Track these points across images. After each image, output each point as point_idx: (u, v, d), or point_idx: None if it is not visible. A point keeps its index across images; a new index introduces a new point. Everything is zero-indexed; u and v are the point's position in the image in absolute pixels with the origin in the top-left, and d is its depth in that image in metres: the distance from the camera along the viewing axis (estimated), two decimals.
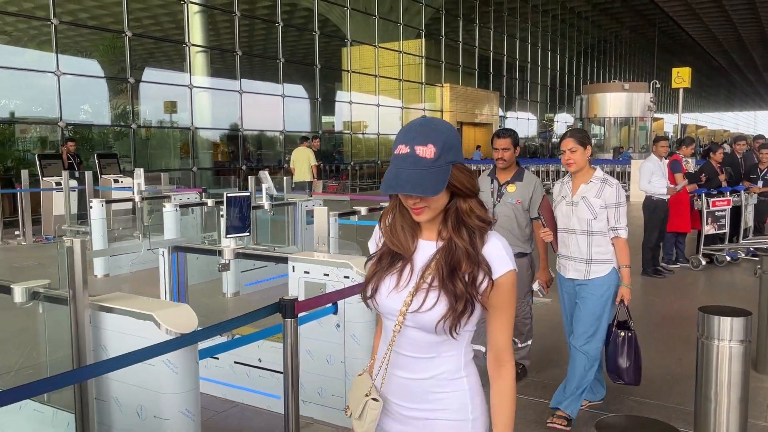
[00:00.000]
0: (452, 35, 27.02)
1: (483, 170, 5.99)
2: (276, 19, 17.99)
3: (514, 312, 1.55)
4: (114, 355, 2.21)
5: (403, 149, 1.42)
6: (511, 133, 4.12)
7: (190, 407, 2.33)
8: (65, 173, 10.05)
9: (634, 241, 9.75)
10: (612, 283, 3.48)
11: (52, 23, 12.52)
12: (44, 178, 11.03)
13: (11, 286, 2.80)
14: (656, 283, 7.44)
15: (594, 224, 3.44)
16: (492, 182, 4.17)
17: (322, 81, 19.97)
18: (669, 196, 7.67)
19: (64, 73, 12.77)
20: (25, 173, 10.38)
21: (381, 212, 1.62)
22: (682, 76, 15.30)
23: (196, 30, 15.93)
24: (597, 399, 3.85)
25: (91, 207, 7.57)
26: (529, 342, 4.41)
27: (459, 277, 1.46)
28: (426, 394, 1.52)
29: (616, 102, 26.39)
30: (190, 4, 15.52)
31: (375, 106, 22.28)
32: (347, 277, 3.30)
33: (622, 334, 3.45)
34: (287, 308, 2.44)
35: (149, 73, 15.25)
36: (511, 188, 4.07)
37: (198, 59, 16.03)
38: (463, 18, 27.46)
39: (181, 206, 7.15)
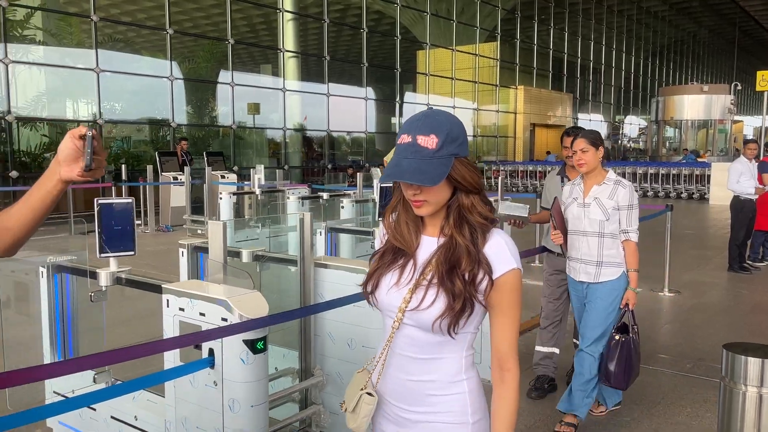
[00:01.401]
0: (527, 37, 27.33)
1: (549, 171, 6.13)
2: (361, 25, 18.90)
3: (519, 315, 1.49)
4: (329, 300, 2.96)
5: (405, 139, 1.40)
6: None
7: None
8: (187, 169, 11.18)
9: (720, 241, 10.04)
10: (622, 287, 3.41)
11: (167, 33, 13.78)
12: (163, 173, 12.23)
13: (241, 250, 3.64)
14: (743, 278, 7.80)
15: (606, 226, 3.36)
16: (562, 181, 4.08)
17: (400, 84, 20.76)
18: (757, 196, 8.02)
19: (177, 78, 14.02)
20: (149, 169, 11.59)
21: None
22: (767, 79, 15.24)
23: (288, 36, 17.01)
24: (612, 405, 3.78)
25: (221, 198, 8.55)
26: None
27: (458, 275, 1.42)
28: (425, 397, 1.49)
29: (695, 104, 26.08)
30: (284, 13, 16.61)
31: (451, 108, 22.91)
32: (225, 320, 2.47)
33: (617, 337, 3.38)
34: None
35: (247, 77, 16.38)
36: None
37: (290, 64, 17.11)
38: (538, 20, 27.72)
39: (303, 198, 8.02)
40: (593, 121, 33.82)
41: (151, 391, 3.04)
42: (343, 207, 7.24)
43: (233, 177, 13.12)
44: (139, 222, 11.96)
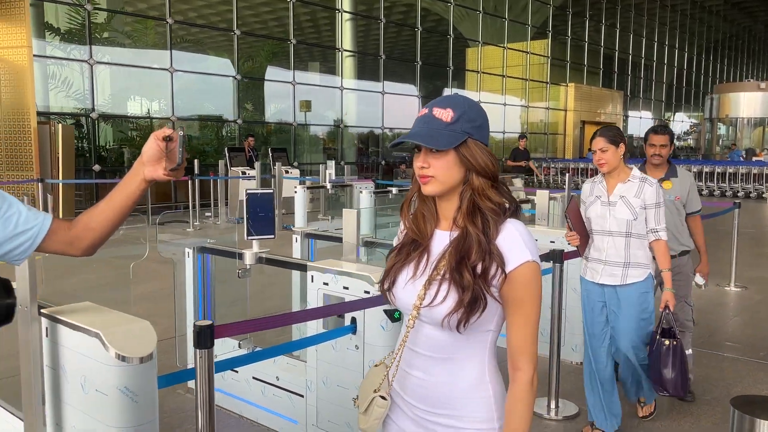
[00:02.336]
0: (577, 34, 27.23)
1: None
2: (416, 24, 19.26)
3: (536, 311, 1.40)
4: None
5: (422, 112, 1.41)
6: (668, 130, 3.98)
7: None
8: (258, 164, 11.76)
9: None
10: (649, 288, 3.28)
11: (234, 34, 14.41)
12: (232, 168, 12.85)
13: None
14: None
15: (633, 226, 3.22)
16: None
17: (451, 82, 21.06)
18: None
19: (243, 78, 14.65)
20: (221, 164, 12.21)
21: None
22: None
23: (346, 36, 17.50)
24: (609, 430, 3.43)
25: (296, 192, 9.05)
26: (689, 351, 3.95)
27: (466, 267, 1.36)
28: (448, 400, 1.43)
29: (751, 102, 25.65)
30: (343, 13, 17.10)
31: (501, 105, 23.08)
32: (367, 292, 2.89)
33: (667, 342, 3.22)
34: (201, 336, 2.02)
35: (306, 76, 16.92)
36: (667, 185, 3.87)
37: (347, 63, 17.59)
38: (589, 17, 27.59)
39: (374, 192, 8.45)
40: (643, 118, 33.43)
41: (289, 356, 3.47)
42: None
43: (296, 172, 13.69)
44: (209, 214, 12.60)
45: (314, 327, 3.17)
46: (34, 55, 10.67)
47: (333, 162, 9.56)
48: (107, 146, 13.33)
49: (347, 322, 3.01)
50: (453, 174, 1.38)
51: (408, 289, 1.45)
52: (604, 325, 3.38)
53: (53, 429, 2.25)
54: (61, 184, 10.32)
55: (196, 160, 12.63)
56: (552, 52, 25.55)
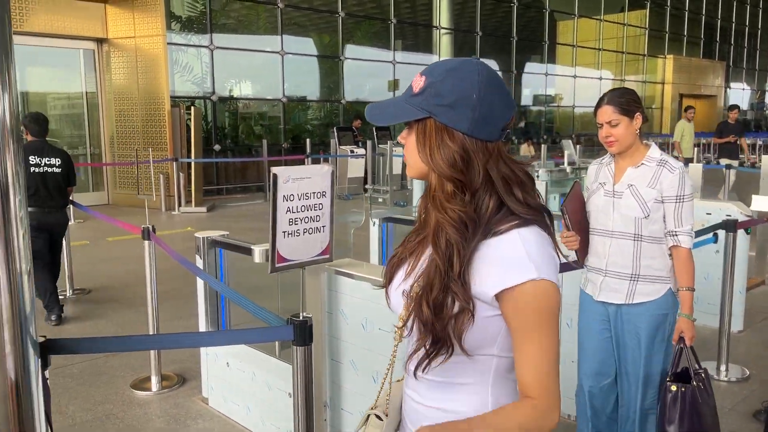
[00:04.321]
0: (678, 3, 26.11)
1: None
2: None
3: (549, 340, 1.10)
4: None
5: None
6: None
7: None
8: (370, 143, 12.22)
9: None
10: (669, 311, 2.48)
11: (339, 15, 14.85)
12: (340, 147, 13.36)
13: None
14: None
15: (645, 225, 2.43)
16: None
17: (544, 56, 20.78)
18: None
19: (347, 58, 15.11)
20: (332, 143, 12.75)
21: None
22: None
23: (443, 13, 17.61)
24: None
25: None
26: None
27: (427, 300, 1.12)
28: None
29: None
30: None
31: (597, 79, 22.57)
32: None
33: (674, 388, 2.43)
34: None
35: (405, 55, 17.18)
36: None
37: (444, 41, 17.73)
38: None
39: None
40: (746, 89, 31.73)
41: None
42: (538, 176, 7.82)
43: (401, 150, 14.04)
44: None
45: None
46: (167, 43, 11.46)
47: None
48: (224, 127, 14.12)
49: None
50: (417, 160, 1.15)
51: (398, 292, 1.23)
52: (606, 354, 2.58)
53: (329, 363, 2.68)
54: (193, 163, 11.10)
55: (308, 140, 13.23)
56: (650, 23, 24.66)
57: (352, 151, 13.13)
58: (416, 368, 1.17)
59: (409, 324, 1.17)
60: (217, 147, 13.14)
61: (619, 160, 2.53)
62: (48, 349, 1.67)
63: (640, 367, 2.48)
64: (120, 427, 3.42)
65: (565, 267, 2.61)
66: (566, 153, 8.16)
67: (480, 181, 1.12)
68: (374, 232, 4.20)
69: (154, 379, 3.89)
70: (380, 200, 11.79)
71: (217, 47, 12.91)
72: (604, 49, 22.81)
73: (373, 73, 16.37)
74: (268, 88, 14.40)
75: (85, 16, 11.22)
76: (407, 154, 1.17)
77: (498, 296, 1.09)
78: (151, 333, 3.87)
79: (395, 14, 16.18)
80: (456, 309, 1.10)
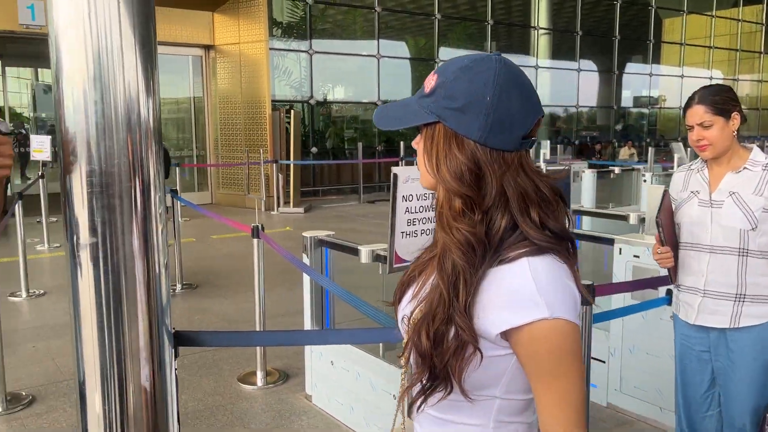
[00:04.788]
0: None
1: None
2: None
3: (570, 384, 0.95)
4: None
5: None
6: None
7: None
8: None
9: None
10: None
11: (435, 18, 14.84)
12: None
13: (628, 213, 4.14)
14: None
15: (751, 237, 2.17)
16: None
17: (648, 56, 19.83)
18: None
19: (442, 61, 15.06)
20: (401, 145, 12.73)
21: None
22: None
23: (542, 13, 17.21)
24: None
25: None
26: None
27: (427, 330, 0.99)
28: None
29: None
30: None
31: (707, 79, 21.30)
32: None
33: None
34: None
35: None
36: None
37: (542, 41, 17.32)
38: None
39: (598, 173, 8.34)
40: None
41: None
42: (645, 180, 7.45)
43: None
44: None
45: (620, 297, 3.32)
46: (269, 49, 11.86)
47: (548, 142, 9.55)
48: (321, 130, 14.44)
49: (662, 293, 3.13)
50: (425, 170, 1.03)
51: (406, 311, 1.10)
52: (709, 386, 2.34)
53: None
54: (292, 165, 11.41)
55: (401, 142, 13.28)
56: (767, 18, 23.00)
57: None
58: (411, 405, 1.06)
59: (406, 354, 1.05)
60: (314, 149, 13.45)
61: (713, 165, 2.28)
62: (178, 340, 1.73)
63: (749, 399, 2.22)
64: (229, 419, 3.53)
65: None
66: (676, 156, 7.73)
67: (493, 198, 0.97)
68: None
69: (259, 374, 3.99)
70: None
71: (316, 52, 13.22)
72: (716, 47, 21.50)
73: None
74: (363, 92, 14.59)
75: (195, 24, 11.81)
76: (419, 162, 1.05)
77: (505, 335, 0.95)
78: (257, 328, 3.98)
79: (492, 15, 15.97)
80: (458, 344, 0.96)
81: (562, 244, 0.99)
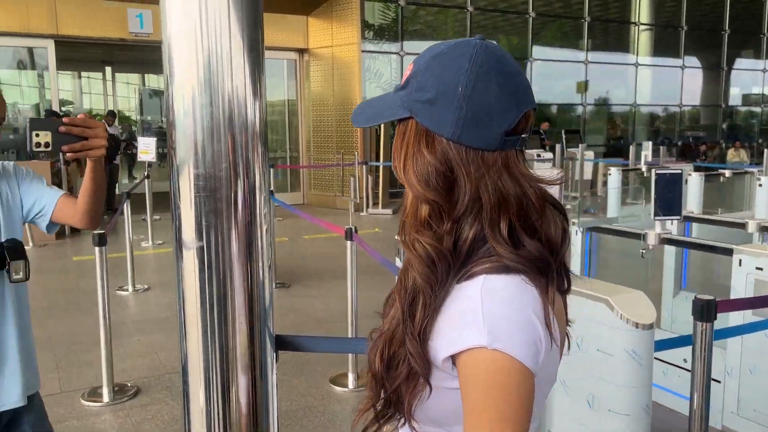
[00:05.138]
0: None
1: None
2: None
3: (496, 422, 0.77)
4: None
5: None
6: None
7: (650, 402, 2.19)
8: (559, 147, 11.79)
9: None
10: None
11: (529, 16, 14.49)
12: (526, 150, 12.99)
13: (747, 221, 3.82)
14: None
15: None
16: None
17: (762, 51, 18.47)
18: None
19: (536, 59, 14.69)
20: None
21: None
22: None
23: (643, 8, 16.44)
24: None
25: (610, 174, 8.81)
26: None
27: (381, 353, 0.91)
28: None
29: None
30: None
31: None
32: None
33: None
34: (704, 310, 2.09)
35: (598, 56, 16.30)
36: None
37: (642, 38, 16.53)
38: None
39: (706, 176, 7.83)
40: None
41: None
42: (760, 184, 6.90)
43: (590, 154, 13.38)
44: None
45: (739, 313, 3.06)
46: (361, 51, 11.98)
47: (650, 143, 9.09)
48: None
49: None
50: (397, 173, 0.91)
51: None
52: None
53: None
54: (381, 166, 11.47)
55: None
56: None
57: (538, 156, 12.70)
58: (364, 430, 0.94)
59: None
60: None
61: None
62: (279, 345, 1.72)
63: None
64: (321, 420, 3.55)
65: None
66: None
67: (465, 205, 0.84)
68: (576, 241, 3.94)
69: (351, 377, 4.00)
70: (568, 207, 11.25)
71: (407, 53, 13.22)
72: None
73: (562, 74, 15.73)
74: None
75: (290, 28, 12.11)
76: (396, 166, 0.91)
77: (453, 362, 0.81)
78: (349, 330, 3.99)
79: (588, 12, 15.40)
80: (409, 370, 0.85)
81: (538, 266, 0.83)
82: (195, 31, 1.33)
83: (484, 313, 0.78)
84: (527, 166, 0.88)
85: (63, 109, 12.01)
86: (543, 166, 12.71)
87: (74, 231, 8.54)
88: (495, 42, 0.93)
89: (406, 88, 0.88)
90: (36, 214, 1.85)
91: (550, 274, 0.84)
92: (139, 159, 8.90)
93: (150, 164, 8.77)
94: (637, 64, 16.18)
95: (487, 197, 0.83)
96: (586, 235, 3.91)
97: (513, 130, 0.85)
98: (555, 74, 15.65)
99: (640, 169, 9.17)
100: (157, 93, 17.50)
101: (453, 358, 0.81)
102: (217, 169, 1.38)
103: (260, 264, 1.47)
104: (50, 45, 10.68)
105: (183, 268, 1.44)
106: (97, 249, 3.77)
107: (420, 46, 13.64)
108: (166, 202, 12.02)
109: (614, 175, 8.87)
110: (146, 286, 6.26)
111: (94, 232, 3.82)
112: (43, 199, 1.85)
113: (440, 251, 0.83)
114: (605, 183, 11.37)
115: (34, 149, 1.59)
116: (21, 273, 1.71)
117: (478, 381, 0.78)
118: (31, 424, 1.89)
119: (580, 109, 16.06)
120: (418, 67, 0.88)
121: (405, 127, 0.88)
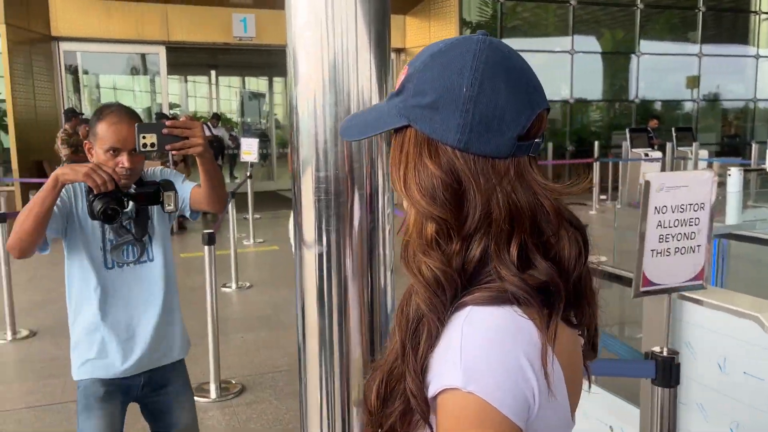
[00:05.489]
0: None
1: None
2: None
3: None
4: None
5: None
6: None
7: None
8: (669, 145, 11.14)
9: None
10: None
11: (637, 8, 13.78)
12: (632, 150, 12.36)
13: None
14: None
15: None
16: None
17: None
18: None
19: (644, 54, 13.96)
20: (624, 145, 11.87)
21: None
22: None
23: None
24: None
25: (729, 175, 8.17)
26: None
27: (378, 386, 0.81)
28: None
29: None
30: None
31: None
32: None
33: None
34: None
35: (712, 48, 15.27)
36: None
37: (764, 27, 15.33)
38: None
39: None
40: None
41: None
42: None
43: (704, 153, 12.56)
44: (604, 197, 12.37)
45: None
46: None
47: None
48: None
49: None
50: (396, 188, 0.82)
51: None
52: None
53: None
54: None
55: (596, 142, 12.49)
56: None
57: (646, 155, 12.05)
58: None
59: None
60: None
61: None
62: None
63: None
64: None
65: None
66: None
67: (476, 221, 0.74)
68: None
69: None
70: None
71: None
72: None
73: (671, 68, 14.85)
74: (555, 90, 13.97)
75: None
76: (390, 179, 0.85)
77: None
78: None
79: (703, 2, 14.45)
80: (405, 406, 0.76)
81: (541, 291, 0.72)
82: (321, 25, 1.27)
83: (462, 350, 0.70)
84: (542, 173, 0.77)
85: (171, 111, 12.63)
86: (651, 166, 12.06)
87: (181, 229, 8.92)
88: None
89: (401, 94, 0.78)
90: (180, 206, 2.12)
91: (557, 303, 0.73)
92: (241, 159, 9.17)
93: (252, 164, 9.01)
94: (757, 56, 14.99)
95: (498, 212, 0.74)
96: (714, 241, 3.59)
97: (526, 134, 0.75)
98: (663, 69, 14.80)
99: (764, 170, 8.43)
100: (256, 95, 18.10)
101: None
102: (341, 172, 1.33)
103: (382, 270, 1.42)
104: (161, 51, 11.25)
105: (303, 271, 1.40)
106: (206, 248, 3.86)
107: (519, 44, 13.30)
108: (266, 201, 12.41)
109: (734, 176, 8.19)
110: (248, 284, 6.41)
111: (204, 231, 3.92)
112: (183, 193, 2.10)
113: (449, 274, 0.74)
114: (720, 184, 10.61)
115: (142, 149, 1.83)
116: (171, 204, 1.98)
117: (447, 427, 0.69)
118: (182, 382, 2.22)
119: (689, 105, 15.11)
120: (414, 69, 0.78)
121: (402, 137, 0.79)
